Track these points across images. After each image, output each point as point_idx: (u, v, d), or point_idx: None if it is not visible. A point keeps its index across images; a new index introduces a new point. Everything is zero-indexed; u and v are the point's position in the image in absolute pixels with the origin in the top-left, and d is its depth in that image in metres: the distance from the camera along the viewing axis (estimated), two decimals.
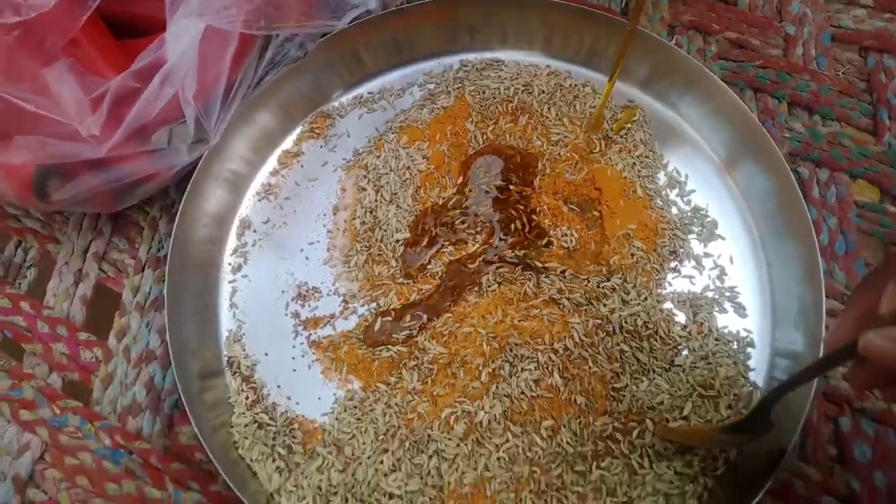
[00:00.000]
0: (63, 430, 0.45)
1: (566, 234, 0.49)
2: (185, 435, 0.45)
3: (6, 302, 0.49)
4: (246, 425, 0.44)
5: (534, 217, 0.50)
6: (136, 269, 0.50)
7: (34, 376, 0.47)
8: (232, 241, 0.51)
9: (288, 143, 0.54)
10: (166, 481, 0.44)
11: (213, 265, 0.50)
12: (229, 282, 0.50)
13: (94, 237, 0.51)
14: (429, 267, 0.49)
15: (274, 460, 0.43)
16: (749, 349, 0.47)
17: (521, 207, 0.51)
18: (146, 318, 0.49)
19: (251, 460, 0.43)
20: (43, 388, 0.46)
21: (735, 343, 0.47)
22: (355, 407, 0.45)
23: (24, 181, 0.44)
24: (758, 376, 0.46)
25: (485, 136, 0.53)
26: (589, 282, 0.48)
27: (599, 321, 0.46)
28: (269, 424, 0.45)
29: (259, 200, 0.52)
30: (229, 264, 0.50)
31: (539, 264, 0.48)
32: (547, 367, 0.45)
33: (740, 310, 0.48)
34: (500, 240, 0.50)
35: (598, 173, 0.51)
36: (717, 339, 0.47)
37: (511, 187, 0.51)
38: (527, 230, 0.50)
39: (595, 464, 0.43)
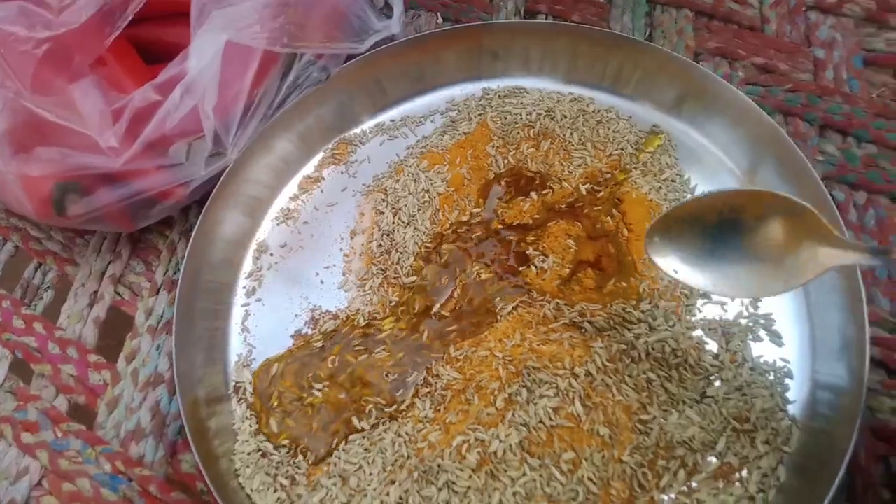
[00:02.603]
0: (63, 455, 0.43)
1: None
2: (188, 463, 0.43)
3: (20, 323, 0.49)
4: (249, 453, 0.42)
5: (541, 245, 0.48)
6: (150, 292, 0.50)
7: (40, 398, 0.46)
8: (247, 265, 0.50)
9: (309, 168, 0.54)
10: None
11: (227, 289, 0.49)
12: (242, 305, 0.49)
13: (112, 259, 0.51)
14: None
15: (275, 491, 0.41)
16: (787, 380, 0.43)
17: (532, 237, 0.49)
18: (157, 341, 0.48)
19: (251, 490, 0.41)
20: (48, 411, 0.45)
21: (772, 374, 0.43)
22: (363, 437, 0.43)
23: (44, 196, 0.44)
24: (797, 409, 0.42)
25: (506, 161, 0.52)
26: (613, 306, 0.45)
27: (624, 346, 0.43)
28: (272, 454, 0.43)
29: (277, 225, 0.52)
30: (243, 288, 0.49)
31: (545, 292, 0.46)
32: (567, 394, 0.42)
33: (776, 338, 0.45)
34: (510, 266, 0.48)
35: (622, 196, 0.49)
36: (751, 369, 0.43)
37: (524, 212, 0.50)
38: (535, 258, 0.48)
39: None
